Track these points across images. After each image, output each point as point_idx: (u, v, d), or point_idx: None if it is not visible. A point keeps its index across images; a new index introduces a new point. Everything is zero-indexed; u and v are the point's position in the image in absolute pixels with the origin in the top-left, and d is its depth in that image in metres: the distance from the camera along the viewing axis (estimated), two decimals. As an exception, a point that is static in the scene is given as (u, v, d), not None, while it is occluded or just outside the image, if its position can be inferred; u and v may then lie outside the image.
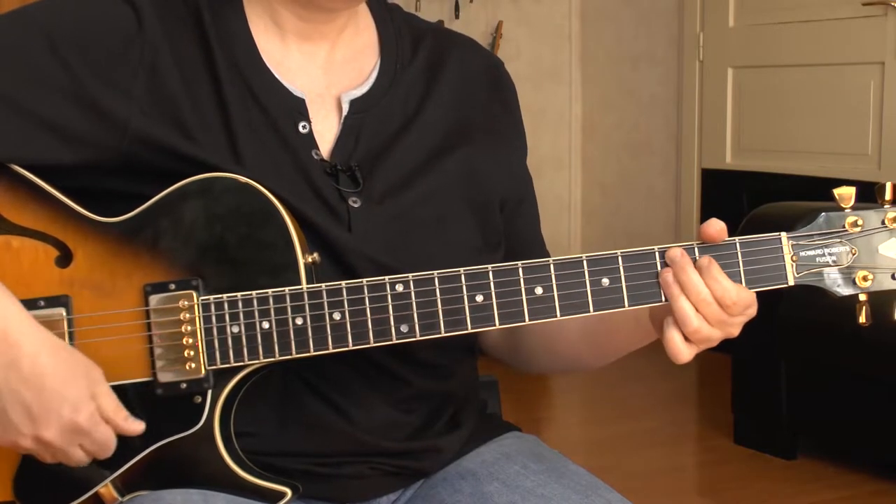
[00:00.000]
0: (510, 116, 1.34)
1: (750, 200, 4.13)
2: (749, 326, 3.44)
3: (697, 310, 1.09)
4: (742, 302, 1.09)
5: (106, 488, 1.13)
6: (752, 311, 1.11)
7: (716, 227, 1.10)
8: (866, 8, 3.99)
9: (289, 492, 1.13)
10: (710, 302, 1.08)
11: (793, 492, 3.16)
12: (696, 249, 1.11)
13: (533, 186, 1.37)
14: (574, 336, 1.27)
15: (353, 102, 1.22)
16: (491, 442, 1.30)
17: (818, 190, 3.74)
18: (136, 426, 1.10)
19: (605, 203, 5.39)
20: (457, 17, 5.21)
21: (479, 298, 1.10)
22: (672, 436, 3.72)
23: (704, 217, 4.69)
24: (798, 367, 3.28)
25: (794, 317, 3.21)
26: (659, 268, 1.10)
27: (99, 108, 1.13)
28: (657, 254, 1.11)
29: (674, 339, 1.11)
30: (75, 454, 1.09)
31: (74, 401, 1.07)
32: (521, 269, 1.10)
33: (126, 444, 1.12)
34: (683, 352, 1.12)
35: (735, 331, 1.12)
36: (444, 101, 1.27)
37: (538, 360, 1.34)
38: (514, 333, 1.31)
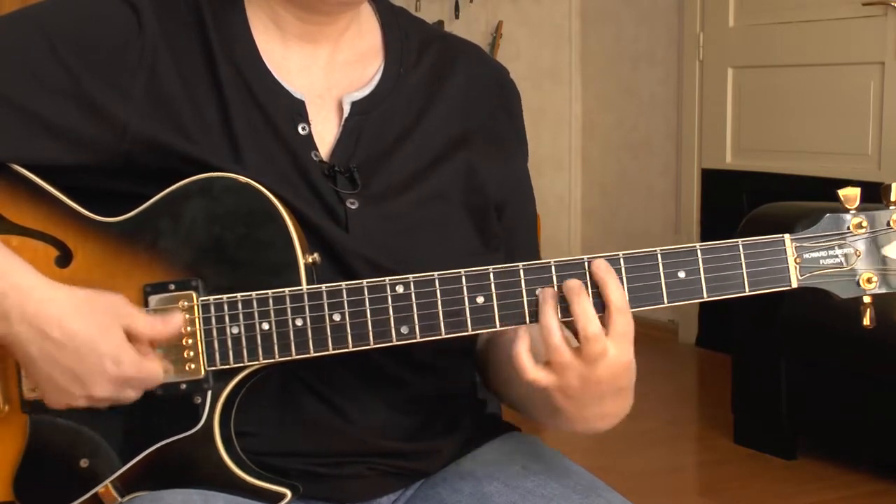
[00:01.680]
0: (513, 124, 1.34)
1: (750, 200, 4.13)
2: (750, 326, 3.45)
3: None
4: (628, 319, 1.07)
5: (105, 489, 1.13)
6: (625, 354, 1.08)
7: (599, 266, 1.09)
8: (866, 8, 3.99)
9: (288, 493, 1.13)
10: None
11: (793, 492, 3.16)
12: (699, 251, 1.10)
13: (533, 199, 1.37)
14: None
15: (354, 104, 1.22)
16: (491, 442, 1.29)
17: (818, 190, 3.75)
18: (174, 320, 1.10)
19: (605, 203, 5.39)
20: (457, 17, 5.21)
21: (480, 300, 1.10)
22: (672, 436, 3.73)
23: (704, 217, 4.71)
24: (798, 367, 3.28)
25: (794, 317, 3.22)
26: (661, 269, 1.10)
27: (98, 109, 1.13)
28: (659, 255, 1.10)
29: (521, 352, 1.08)
30: (128, 396, 1.10)
31: (113, 353, 1.07)
32: (521, 271, 1.10)
33: (126, 444, 1.12)
34: (529, 367, 1.08)
35: (600, 368, 1.07)
36: (448, 108, 1.27)
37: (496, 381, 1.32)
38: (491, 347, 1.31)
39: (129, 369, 1.08)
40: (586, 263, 1.09)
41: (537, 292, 1.08)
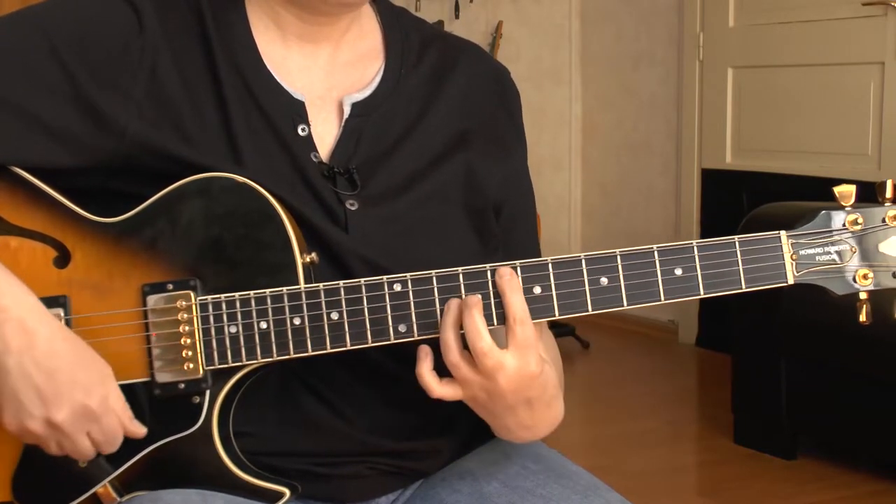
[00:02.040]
0: (513, 125, 1.34)
1: (750, 200, 4.13)
2: (750, 326, 3.45)
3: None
4: (528, 331, 1.08)
5: (104, 489, 1.13)
6: (528, 366, 1.09)
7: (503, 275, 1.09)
8: (866, 8, 3.99)
9: (287, 492, 1.13)
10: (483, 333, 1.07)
11: (793, 492, 3.16)
12: (696, 248, 1.10)
13: (533, 198, 1.37)
14: None
15: (354, 106, 1.22)
16: (490, 442, 1.29)
17: (818, 190, 3.74)
18: (140, 429, 1.11)
19: (605, 203, 5.39)
20: (457, 17, 5.21)
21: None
22: (672, 436, 3.73)
23: (704, 217, 4.71)
24: (798, 366, 3.28)
25: (794, 316, 3.22)
26: (658, 266, 1.10)
27: (98, 111, 1.13)
28: (656, 252, 1.10)
29: (422, 373, 1.10)
30: (83, 443, 1.09)
31: (86, 385, 1.07)
32: (519, 269, 1.10)
33: (125, 445, 1.12)
34: (434, 385, 1.10)
35: (501, 380, 1.08)
36: (448, 108, 1.27)
37: None
38: None
39: (97, 406, 1.08)
40: (583, 261, 1.10)
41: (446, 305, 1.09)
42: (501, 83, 1.34)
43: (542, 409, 1.15)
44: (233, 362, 1.11)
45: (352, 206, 1.18)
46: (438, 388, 1.10)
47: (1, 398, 1.08)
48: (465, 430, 1.28)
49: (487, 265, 1.10)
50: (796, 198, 3.32)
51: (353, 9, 1.22)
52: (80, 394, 1.07)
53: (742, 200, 4.33)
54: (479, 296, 1.09)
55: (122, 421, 1.10)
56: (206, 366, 1.11)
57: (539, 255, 1.35)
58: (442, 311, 1.10)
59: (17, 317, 1.06)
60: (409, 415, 1.22)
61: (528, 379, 1.09)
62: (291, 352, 1.10)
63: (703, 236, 4.71)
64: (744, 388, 3.47)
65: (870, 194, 1.13)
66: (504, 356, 1.08)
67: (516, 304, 1.08)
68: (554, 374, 1.16)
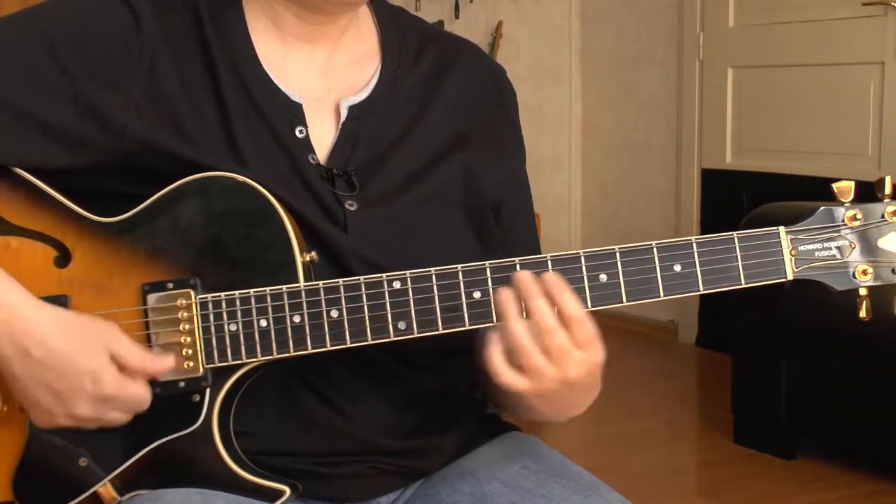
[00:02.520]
0: (510, 124, 1.34)
1: (750, 200, 4.13)
2: (750, 326, 3.44)
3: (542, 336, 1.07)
4: (588, 329, 1.08)
5: (105, 487, 1.13)
6: (595, 356, 1.10)
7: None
8: (866, 8, 3.99)
9: (287, 490, 1.13)
10: (554, 328, 1.07)
11: (793, 492, 3.16)
12: (695, 244, 1.10)
13: (531, 197, 1.37)
14: None
15: (351, 108, 1.22)
16: (491, 442, 1.29)
17: (818, 190, 3.73)
18: (165, 362, 1.10)
19: (605, 203, 5.39)
20: (457, 17, 5.21)
21: (477, 295, 1.10)
22: (672, 436, 3.73)
23: (704, 217, 4.71)
24: (798, 366, 3.27)
25: (794, 316, 3.21)
26: (657, 263, 1.10)
27: (97, 111, 1.13)
28: (655, 248, 1.10)
29: (494, 356, 1.09)
30: (113, 418, 1.10)
31: (94, 371, 1.07)
32: (518, 266, 1.10)
33: (125, 443, 1.12)
34: (506, 372, 1.09)
35: (573, 371, 1.09)
36: (446, 108, 1.27)
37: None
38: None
39: (110, 388, 1.08)
40: (582, 257, 1.10)
41: (499, 293, 1.09)
42: (498, 83, 1.34)
43: (595, 390, 1.17)
44: (233, 360, 1.11)
45: (351, 206, 1.18)
46: (509, 376, 1.09)
47: (24, 402, 1.10)
48: (465, 430, 1.28)
49: (487, 262, 1.10)
50: (796, 198, 3.31)
51: (353, 8, 1.22)
52: (90, 383, 1.07)
53: (742, 200, 4.33)
54: (555, 274, 1.08)
55: (145, 371, 1.09)
56: (207, 364, 1.11)
57: (539, 252, 1.36)
58: (442, 308, 1.10)
59: (5, 320, 1.06)
60: (410, 414, 1.22)
61: (595, 367, 1.11)
62: (291, 350, 1.10)
63: (703, 236, 4.73)
64: (744, 388, 3.47)
65: (870, 194, 1.13)
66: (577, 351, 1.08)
67: (572, 306, 1.08)
68: None
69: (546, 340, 1.07)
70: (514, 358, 1.08)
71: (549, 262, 1.10)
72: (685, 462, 3.54)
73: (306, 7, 1.21)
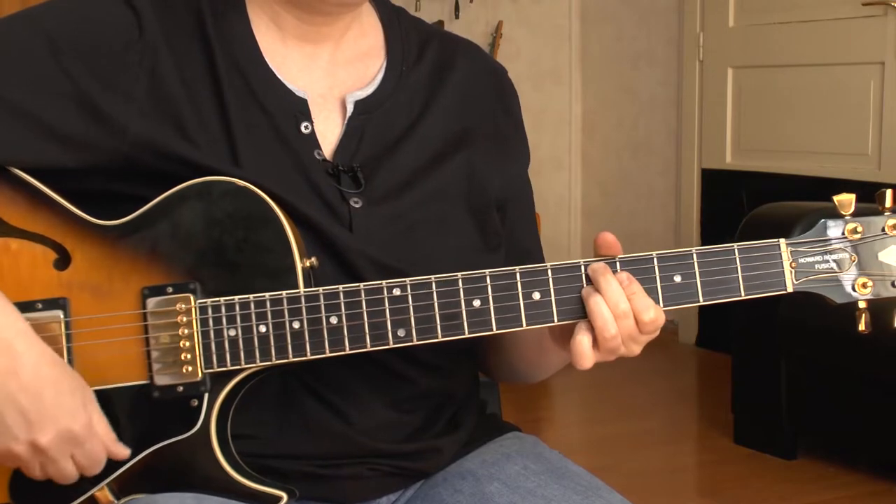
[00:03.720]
0: (512, 124, 1.34)
1: (750, 200, 4.13)
2: (750, 326, 3.43)
3: (616, 320, 1.10)
4: (659, 320, 1.11)
5: (102, 492, 1.12)
6: (657, 331, 1.13)
7: (607, 239, 1.13)
8: (866, 8, 3.99)
9: (284, 495, 1.13)
10: (627, 314, 1.09)
11: (793, 492, 3.16)
12: (695, 255, 1.10)
13: (532, 197, 1.37)
14: (520, 346, 1.30)
15: (357, 104, 1.22)
16: (491, 442, 1.29)
17: (818, 190, 3.75)
18: (123, 451, 1.11)
19: (605, 203, 5.39)
20: (457, 17, 5.21)
21: (477, 303, 1.10)
22: (672, 436, 3.73)
23: (704, 217, 4.71)
24: (798, 367, 3.28)
25: (794, 317, 3.21)
26: (657, 273, 1.10)
27: (99, 112, 1.13)
28: (655, 259, 1.11)
29: (582, 342, 1.11)
30: (66, 466, 1.09)
31: (71, 409, 1.07)
32: (518, 274, 1.10)
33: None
34: (588, 356, 1.11)
35: (637, 349, 1.13)
36: (449, 106, 1.27)
37: (495, 363, 1.37)
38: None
39: (81, 430, 1.07)
40: (583, 267, 1.10)
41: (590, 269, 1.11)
42: (500, 82, 1.35)
43: None
44: (231, 366, 1.11)
45: (356, 204, 1.18)
46: (590, 358, 1.11)
47: None
48: (465, 431, 1.28)
49: (487, 271, 1.10)
50: (796, 198, 3.32)
51: (351, 9, 1.22)
52: (65, 418, 1.06)
53: (742, 200, 4.33)
54: (627, 273, 1.11)
55: (105, 444, 1.10)
56: (205, 369, 1.11)
57: (541, 254, 1.36)
58: (441, 316, 1.10)
59: (4, 338, 1.05)
60: (410, 416, 1.22)
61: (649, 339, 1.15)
62: (290, 355, 1.10)
63: (703, 236, 4.73)
64: (744, 388, 3.47)
65: (870, 195, 1.13)
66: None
67: (641, 304, 1.10)
68: None
69: (619, 323, 1.10)
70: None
71: (549, 271, 1.10)
72: (685, 462, 3.54)
73: (305, 9, 1.21)
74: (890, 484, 3.15)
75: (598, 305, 1.09)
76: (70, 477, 1.10)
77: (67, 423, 1.07)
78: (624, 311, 1.09)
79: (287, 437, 1.17)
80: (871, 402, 3.10)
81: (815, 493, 3.14)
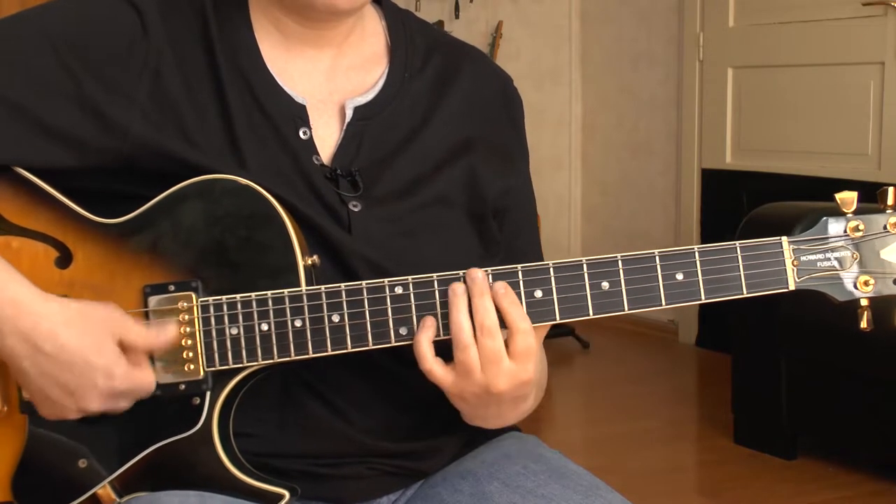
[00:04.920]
0: (515, 133, 1.34)
1: (750, 200, 4.13)
2: (750, 326, 3.43)
3: (478, 335, 1.09)
4: (529, 340, 1.09)
5: (104, 489, 1.13)
6: (525, 372, 1.10)
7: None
8: (866, 8, 3.99)
9: (286, 493, 1.13)
10: (494, 330, 1.08)
11: (793, 492, 3.16)
12: (697, 253, 1.10)
13: (534, 206, 1.37)
14: None
15: (357, 109, 1.22)
16: (491, 442, 1.29)
17: (818, 190, 3.75)
18: (168, 331, 1.10)
19: (605, 203, 5.39)
20: (457, 17, 5.21)
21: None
22: (672, 436, 3.73)
23: (704, 217, 4.71)
24: (798, 366, 3.28)
25: (794, 316, 3.22)
26: (659, 271, 1.10)
27: (101, 113, 1.13)
28: (657, 257, 1.11)
29: (423, 340, 1.10)
30: (119, 407, 1.11)
31: (105, 367, 1.07)
32: (520, 273, 1.10)
33: (125, 445, 1.12)
34: (430, 359, 1.10)
35: (500, 382, 1.10)
36: (452, 114, 1.26)
37: None
38: None
39: (121, 383, 1.08)
40: (585, 265, 1.10)
41: (450, 287, 1.10)
42: (507, 92, 1.34)
43: (521, 405, 1.17)
44: (233, 364, 1.11)
45: (355, 207, 1.18)
46: (433, 363, 1.10)
47: (33, 396, 1.10)
48: (465, 430, 1.28)
49: (489, 269, 1.10)
50: (796, 198, 3.32)
51: (345, 16, 1.21)
52: (101, 379, 1.08)
53: (742, 200, 4.34)
54: (504, 283, 1.09)
55: (153, 347, 1.10)
56: (207, 367, 1.11)
57: (541, 260, 1.36)
58: (443, 314, 1.10)
59: (11, 316, 1.06)
60: (410, 415, 1.22)
61: (521, 384, 1.11)
62: (292, 354, 1.10)
63: (703, 236, 4.73)
64: (744, 388, 3.47)
65: (870, 195, 1.13)
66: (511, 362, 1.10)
67: (517, 314, 1.09)
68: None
69: (481, 339, 1.08)
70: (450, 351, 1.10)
71: (552, 270, 1.10)
72: (685, 462, 3.55)
73: (303, 15, 1.20)
74: (890, 484, 3.15)
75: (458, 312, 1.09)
76: (127, 408, 1.11)
77: (105, 383, 1.08)
78: (489, 327, 1.08)
79: (287, 436, 1.17)
80: (871, 402, 3.10)
81: (815, 493, 3.14)
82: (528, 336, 1.09)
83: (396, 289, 1.10)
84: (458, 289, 1.09)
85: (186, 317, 1.11)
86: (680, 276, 1.10)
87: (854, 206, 1.11)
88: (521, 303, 1.10)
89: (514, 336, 1.09)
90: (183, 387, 1.11)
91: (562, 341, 4.73)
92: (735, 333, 3.49)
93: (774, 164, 4.37)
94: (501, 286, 1.09)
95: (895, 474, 3.15)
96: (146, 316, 1.12)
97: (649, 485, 3.23)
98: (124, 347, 1.09)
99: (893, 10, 3.92)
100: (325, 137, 1.21)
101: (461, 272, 1.10)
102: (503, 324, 1.09)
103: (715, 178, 4.68)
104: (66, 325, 1.07)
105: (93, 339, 1.08)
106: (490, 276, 1.10)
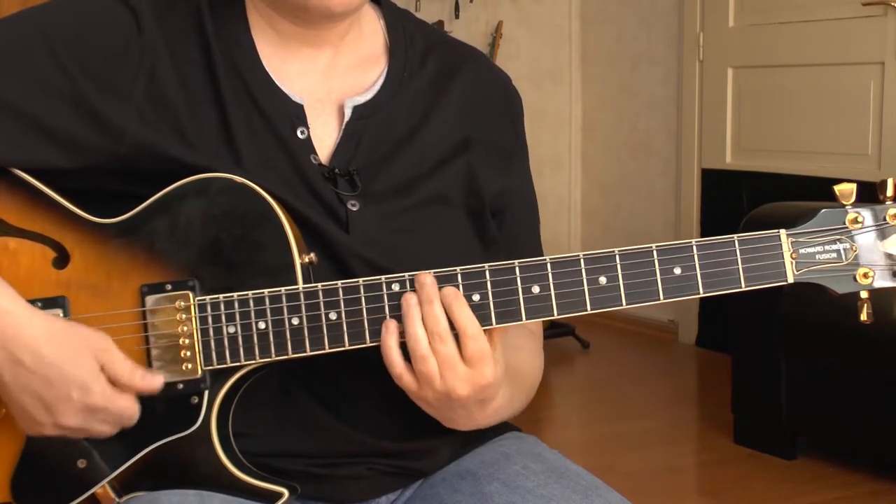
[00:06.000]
0: (514, 133, 1.34)
1: (750, 200, 4.13)
2: (750, 326, 3.44)
3: (430, 341, 1.08)
4: (480, 344, 1.09)
5: (103, 489, 1.12)
6: (483, 376, 1.10)
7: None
8: (866, 8, 3.99)
9: (286, 492, 1.13)
10: (444, 336, 1.08)
11: (793, 492, 3.16)
12: (695, 247, 1.10)
13: (535, 206, 1.37)
14: None
15: (356, 108, 1.22)
16: (490, 442, 1.29)
17: (818, 190, 3.73)
18: (155, 382, 1.10)
19: (605, 203, 5.39)
20: (457, 17, 5.21)
21: (476, 297, 1.10)
22: (672, 436, 3.73)
23: (704, 217, 4.71)
24: (798, 366, 3.28)
25: (794, 316, 3.22)
26: (657, 266, 1.10)
27: (97, 114, 1.13)
28: (655, 251, 1.10)
29: (391, 346, 1.09)
30: (100, 429, 1.10)
31: (82, 382, 1.07)
32: (517, 268, 1.10)
33: (124, 445, 1.12)
34: (399, 365, 1.10)
35: (459, 388, 1.09)
36: (450, 113, 1.26)
37: None
38: None
39: (98, 399, 1.07)
40: (582, 260, 1.10)
41: (402, 299, 1.09)
42: (506, 92, 1.34)
43: (488, 406, 1.16)
44: (231, 362, 1.11)
45: (353, 206, 1.18)
46: (401, 369, 1.09)
47: (11, 409, 1.09)
48: (464, 431, 1.28)
49: (486, 265, 1.10)
50: (796, 198, 3.32)
51: (340, 18, 1.21)
52: (77, 394, 1.07)
53: (742, 200, 4.33)
54: (453, 288, 1.09)
55: (133, 387, 1.09)
56: (205, 366, 1.11)
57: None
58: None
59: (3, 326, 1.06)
60: (409, 415, 1.22)
61: (482, 388, 1.11)
62: (290, 352, 1.10)
63: (702, 236, 4.71)
64: (744, 388, 3.47)
65: (870, 195, 1.12)
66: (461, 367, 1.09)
67: (465, 319, 1.09)
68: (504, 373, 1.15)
69: (434, 345, 1.08)
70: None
71: (549, 265, 1.10)
72: (685, 462, 3.54)
73: (297, 16, 1.20)
74: (890, 484, 3.15)
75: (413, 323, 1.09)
76: (109, 434, 1.10)
77: (81, 398, 1.07)
78: (440, 333, 1.08)
79: (285, 436, 1.17)
80: (871, 402, 3.10)
81: (815, 493, 3.14)
82: (478, 340, 1.09)
83: (393, 286, 1.10)
84: (410, 299, 1.09)
85: (184, 316, 1.11)
86: (678, 271, 1.10)
87: (853, 198, 1.10)
88: (520, 298, 1.10)
89: (465, 341, 1.09)
90: (181, 386, 1.11)
91: (562, 341, 4.73)
92: (735, 333, 3.49)
93: (774, 164, 4.37)
94: (451, 291, 1.09)
95: (895, 474, 3.15)
96: (144, 315, 1.12)
97: (649, 485, 3.23)
98: (107, 375, 1.08)
99: (893, 10, 3.92)
100: (323, 137, 1.21)
101: (457, 269, 1.10)
102: (500, 317, 1.09)
103: (715, 178, 4.68)
104: (49, 340, 1.07)
105: (72, 353, 1.07)
106: (548, 267, 1.09)
